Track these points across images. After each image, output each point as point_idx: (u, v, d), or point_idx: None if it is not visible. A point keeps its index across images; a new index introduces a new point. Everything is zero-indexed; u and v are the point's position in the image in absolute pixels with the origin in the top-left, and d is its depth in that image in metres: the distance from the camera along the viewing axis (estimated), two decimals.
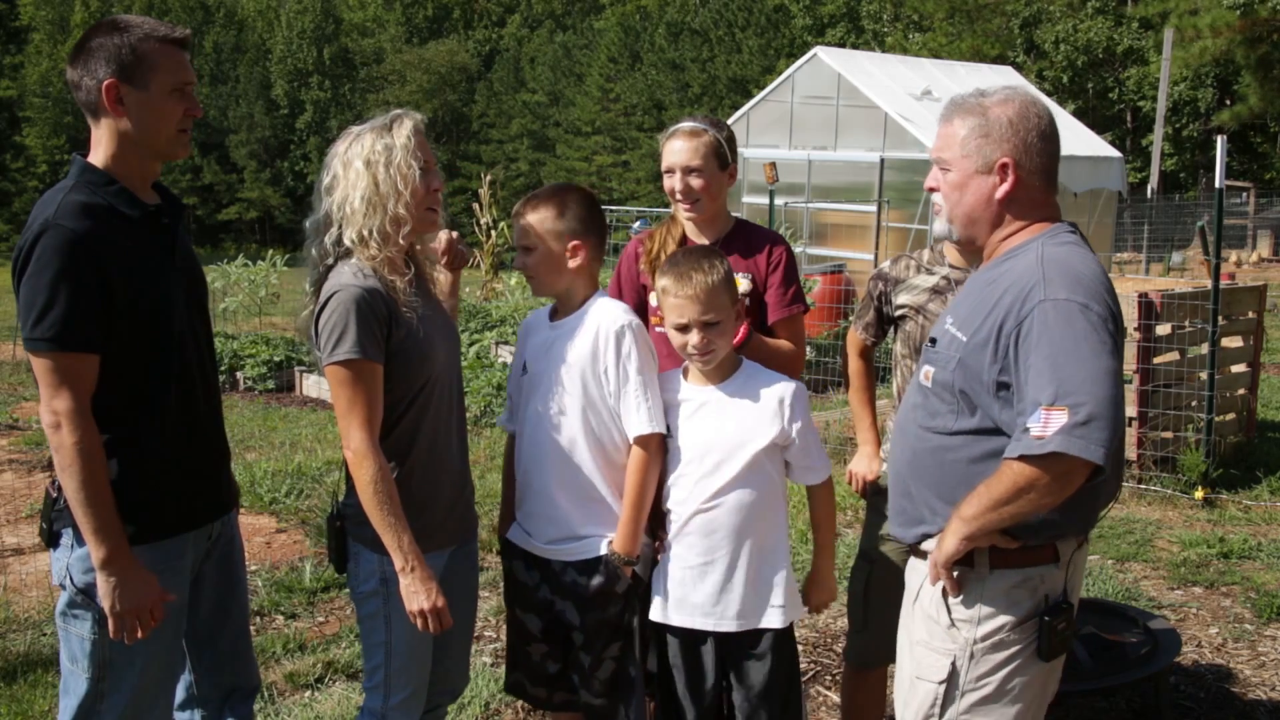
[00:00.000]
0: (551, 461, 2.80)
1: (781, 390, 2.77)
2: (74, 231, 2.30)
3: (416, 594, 2.53)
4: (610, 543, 2.78)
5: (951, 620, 2.34)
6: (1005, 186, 2.32)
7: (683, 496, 2.77)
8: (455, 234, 2.94)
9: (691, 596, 2.76)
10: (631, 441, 2.76)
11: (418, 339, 2.59)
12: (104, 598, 2.37)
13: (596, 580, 2.78)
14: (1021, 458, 2.12)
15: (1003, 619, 2.30)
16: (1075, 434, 2.07)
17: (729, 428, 2.74)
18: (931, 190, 2.44)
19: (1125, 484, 6.59)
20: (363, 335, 2.49)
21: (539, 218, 2.80)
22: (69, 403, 2.31)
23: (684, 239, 3.27)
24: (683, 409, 2.80)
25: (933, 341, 2.42)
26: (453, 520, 2.75)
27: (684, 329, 2.72)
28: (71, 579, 2.44)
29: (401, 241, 2.60)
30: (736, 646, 2.77)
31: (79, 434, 2.31)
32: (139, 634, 2.41)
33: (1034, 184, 2.33)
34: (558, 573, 2.82)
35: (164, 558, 2.50)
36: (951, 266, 3.19)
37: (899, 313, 3.27)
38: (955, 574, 2.31)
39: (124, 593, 2.36)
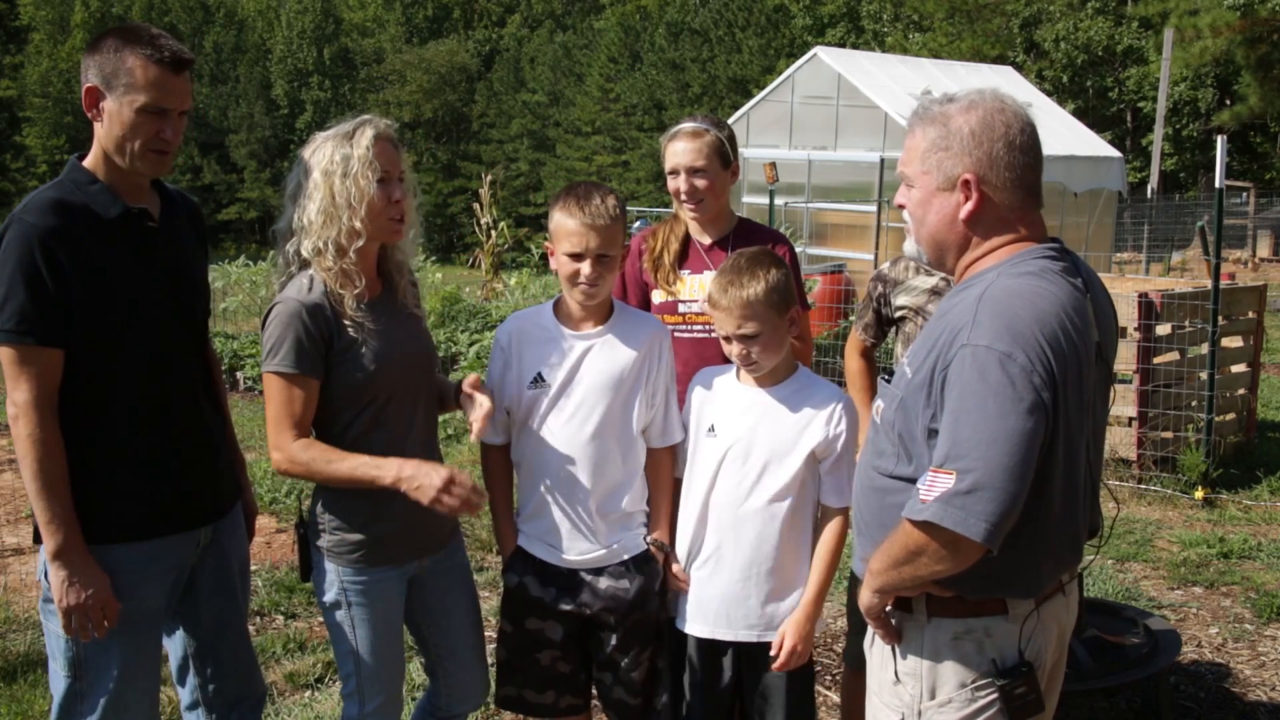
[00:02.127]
0: (585, 474, 2.74)
1: (833, 401, 2.73)
2: (34, 227, 2.33)
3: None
4: (647, 536, 2.81)
5: (897, 676, 2.19)
6: (969, 206, 2.07)
7: (720, 497, 2.73)
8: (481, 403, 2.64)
9: (715, 603, 2.74)
10: (672, 445, 2.82)
11: (359, 353, 2.57)
12: (54, 591, 2.40)
13: (636, 581, 2.78)
14: (907, 519, 1.96)
15: (949, 676, 2.11)
16: (954, 503, 1.87)
17: (776, 433, 2.70)
18: (901, 207, 2.22)
19: (1125, 484, 6.58)
20: (297, 348, 2.51)
21: (616, 223, 2.68)
22: (26, 394, 2.34)
23: (687, 237, 3.29)
24: (728, 408, 2.76)
25: (889, 375, 2.23)
26: (416, 534, 2.71)
27: (726, 339, 2.71)
28: (46, 574, 2.46)
29: (354, 255, 2.57)
30: (755, 653, 2.75)
31: (33, 426, 2.34)
32: (91, 634, 2.42)
33: (1003, 201, 2.07)
34: (588, 582, 2.78)
35: (136, 560, 2.50)
36: None
37: (899, 314, 3.27)
38: (893, 621, 2.19)
39: (71, 587, 2.38)
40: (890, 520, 2.08)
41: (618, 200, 2.72)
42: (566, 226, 2.66)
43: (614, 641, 2.81)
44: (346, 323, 2.56)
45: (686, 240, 3.29)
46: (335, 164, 2.54)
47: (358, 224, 2.54)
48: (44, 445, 2.35)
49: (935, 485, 1.91)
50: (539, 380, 2.75)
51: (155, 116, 2.41)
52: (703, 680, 2.79)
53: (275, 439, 2.55)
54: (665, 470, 2.84)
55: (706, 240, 3.28)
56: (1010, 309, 1.96)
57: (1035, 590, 2.11)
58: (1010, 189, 2.08)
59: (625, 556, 2.80)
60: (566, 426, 2.73)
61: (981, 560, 1.96)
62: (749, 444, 2.70)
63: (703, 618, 2.76)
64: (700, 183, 3.18)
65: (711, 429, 2.75)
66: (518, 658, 2.86)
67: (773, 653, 2.70)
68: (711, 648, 2.77)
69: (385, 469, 2.51)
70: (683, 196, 3.20)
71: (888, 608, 2.20)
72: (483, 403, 2.61)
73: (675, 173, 3.20)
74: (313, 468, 2.54)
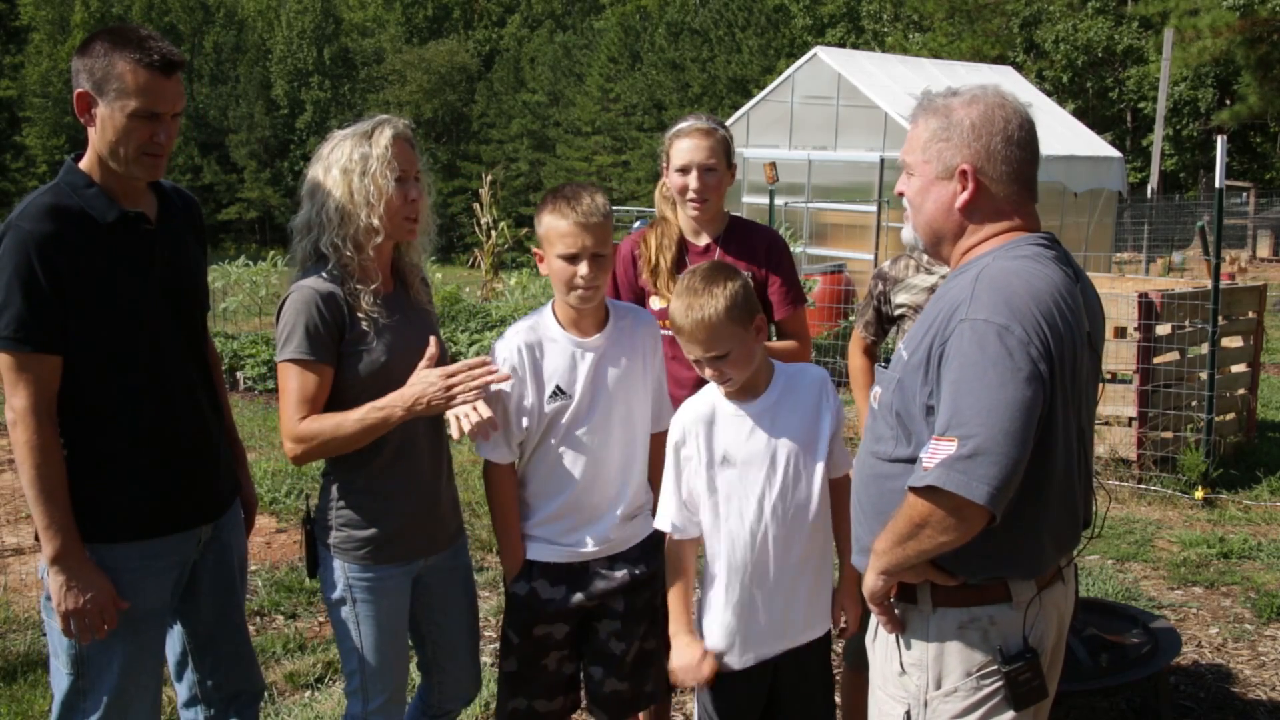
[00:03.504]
0: (608, 477, 2.75)
1: (820, 377, 2.70)
2: (29, 233, 2.34)
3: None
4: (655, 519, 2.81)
5: (902, 667, 2.20)
6: (965, 195, 2.14)
7: (768, 520, 2.61)
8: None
9: (770, 627, 2.66)
10: (664, 430, 2.78)
11: (371, 346, 2.59)
12: (53, 595, 2.41)
13: (643, 564, 2.80)
14: (911, 489, 1.99)
15: (955, 665, 2.13)
16: (956, 468, 1.90)
17: (795, 435, 2.62)
18: (900, 194, 2.28)
19: (1124, 484, 6.58)
20: (311, 336, 2.53)
21: (608, 220, 2.66)
22: (24, 401, 2.35)
23: (680, 238, 3.28)
24: (736, 433, 2.63)
25: (886, 361, 2.28)
26: (422, 533, 2.73)
27: (696, 363, 2.61)
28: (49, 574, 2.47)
29: (372, 251, 2.60)
30: (787, 658, 2.71)
31: (31, 432, 2.35)
32: (90, 636, 2.43)
33: (999, 192, 2.15)
34: (600, 571, 2.79)
35: (139, 558, 2.51)
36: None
37: (898, 312, 3.28)
38: (896, 610, 2.20)
39: (69, 592, 2.39)
40: (890, 506, 2.10)
41: (605, 198, 2.71)
42: (559, 228, 2.62)
43: (611, 628, 2.82)
44: (360, 315, 2.59)
45: (680, 242, 3.28)
46: (354, 162, 2.56)
47: (375, 221, 2.57)
48: (41, 451, 2.37)
49: (937, 452, 1.95)
50: (559, 393, 2.71)
51: (148, 121, 2.41)
52: (746, 694, 2.71)
53: (290, 428, 2.54)
54: (658, 451, 2.82)
55: (702, 241, 3.28)
56: (1007, 286, 2.02)
57: (1038, 570, 2.14)
58: (1006, 181, 2.15)
59: (635, 542, 2.82)
60: (589, 434, 2.72)
61: (984, 538, 1.98)
62: (773, 457, 2.61)
63: (757, 644, 2.66)
64: (711, 180, 3.18)
65: (726, 459, 2.62)
66: (528, 667, 2.83)
67: (840, 628, 2.74)
68: (753, 671, 2.69)
69: (391, 405, 2.52)
70: (690, 194, 3.19)
71: (892, 596, 2.21)
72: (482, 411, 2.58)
73: (687, 170, 3.18)
74: (324, 436, 2.54)
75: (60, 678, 2.53)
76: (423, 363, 2.58)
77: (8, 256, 2.33)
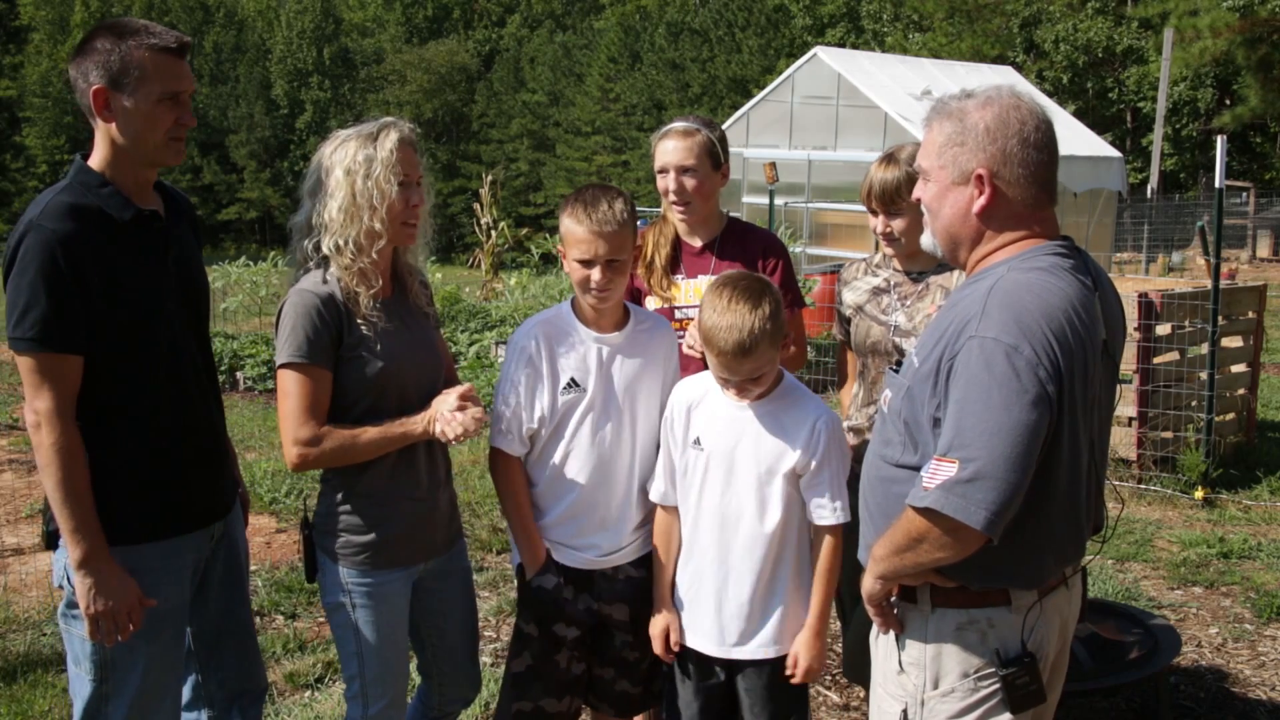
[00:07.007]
0: (620, 475, 2.75)
1: (813, 417, 2.62)
2: (54, 232, 2.32)
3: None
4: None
5: (900, 666, 2.20)
6: (981, 200, 2.10)
7: (706, 514, 2.67)
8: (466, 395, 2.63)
9: (706, 622, 2.70)
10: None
11: (370, 350, 2.58)
12: (80, 598, 2.39)
13: (647, 570, 2.79)
14: (910, 506, 2.00)
15: (953, 666, 2.14)
16: (955, 491, 1.91)
17: (759, 450, 2.62)
18: (918, 200, 2.26)
19: (1125, 484, 6.58)
20: (310, 340, 2.52)
21: (625, 227, 2.65)
22: (49, 402, 2.33)
23: (676, 239, 3.26)
24: (713, 420, 2.66)
25: (897, 365, 2.29)
26: (421, 537, 2.73)
27: (723, 380, 2.60)
28: (69, 580, 2.45)
29: (375, 255, 2.59)
30: (744, 666, 2.71)
31: (56, 434, 2.33)
32: (117, 637, 2.42)
33: (1016, 196, 2.11)
34: (610, 576, 2.79)
35: (159, 558, 2.51)
36: (894, 270, 3.21)
37: (846, 312, 3.31)
38: (895, 611, 2.21)
39: (98, 594, 2.38)
40: (895, 510, 2.10)
41: (627, 203, 2.68)
42: (575, 234, 2.64)
43: (629, 639, 2.82)
44: (359, 320, 2.58)
45: (676, 243, 3.26)
46: (358, 164, 2.55)
47: (377, 225, 2.57)
48: (67, 453, 2.34)
49: (938, 473, 1.94)
50: (573, 385, 2.71)
51: (172, 103, 2.42)
52: (695, 681, 2.76)
53: (294, 432, 2.53)
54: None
55: (697, 243, 3.25)
56: (1019, 302, 1.99)
57: (1037, 582, 2.13)
58: (1023, 185, 2.11)
59: (645, 551, 2.81)
60: (602, 430, 2.72)
61: (984, 550, 1.98)
62: (732, 461, 2.63)
63: (697, 632, 2.72)
64: (689, 182, 3.14)
65: (697, 441, 2.67)
66: (542, 663, 2.82)
67: (789, 671, 2.66)
68: (701, 662, 2.74)
69: (413, 422, 2.57)
70: (671, 196, 3.18)
71: (891, 597, 2.21)
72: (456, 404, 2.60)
73: (664, 171, 3.17)
74: (343, 447, 2.54)
75: (82, 685, 2.50)
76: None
77: (32, 256, 2.31)
